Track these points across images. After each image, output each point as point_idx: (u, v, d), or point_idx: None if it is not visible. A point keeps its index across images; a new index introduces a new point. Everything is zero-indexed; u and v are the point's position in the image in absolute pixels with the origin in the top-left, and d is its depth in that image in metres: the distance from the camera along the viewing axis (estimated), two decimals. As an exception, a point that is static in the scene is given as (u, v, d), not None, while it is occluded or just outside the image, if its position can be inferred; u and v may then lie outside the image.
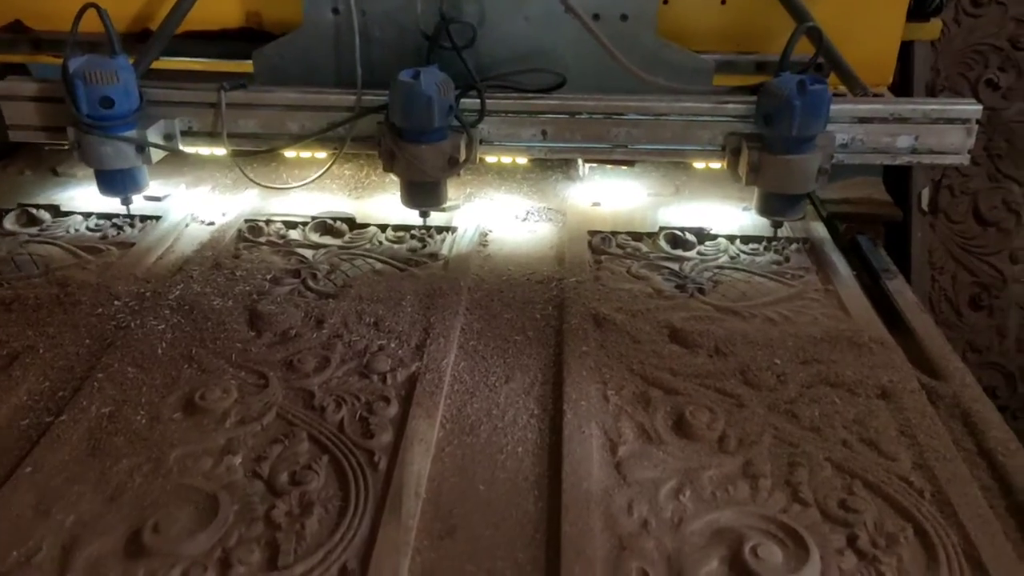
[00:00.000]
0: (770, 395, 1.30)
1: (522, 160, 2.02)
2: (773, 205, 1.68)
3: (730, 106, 1.66)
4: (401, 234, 1.81)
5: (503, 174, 2.10)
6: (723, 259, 1.72)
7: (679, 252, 1.74)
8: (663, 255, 1.73)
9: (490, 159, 1.88)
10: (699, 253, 1.74)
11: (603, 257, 1.72)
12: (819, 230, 1.82)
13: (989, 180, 2.60)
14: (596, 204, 1.93)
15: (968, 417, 1.28)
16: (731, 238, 1.78)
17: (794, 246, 1.76)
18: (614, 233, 1.80)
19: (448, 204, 1.83)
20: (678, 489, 1.10)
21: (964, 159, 1.70)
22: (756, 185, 1.66)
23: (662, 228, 1.80)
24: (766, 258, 1.73)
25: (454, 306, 1.51)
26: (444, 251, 1.74)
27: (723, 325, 1.47)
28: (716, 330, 1.45)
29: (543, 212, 1.92)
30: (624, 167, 2.06)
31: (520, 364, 1.39)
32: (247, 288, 1.55)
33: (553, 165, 2.14)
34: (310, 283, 1.58)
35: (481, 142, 1.69)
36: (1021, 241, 2.59)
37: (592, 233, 1.80)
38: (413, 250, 1.75)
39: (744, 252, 1.74)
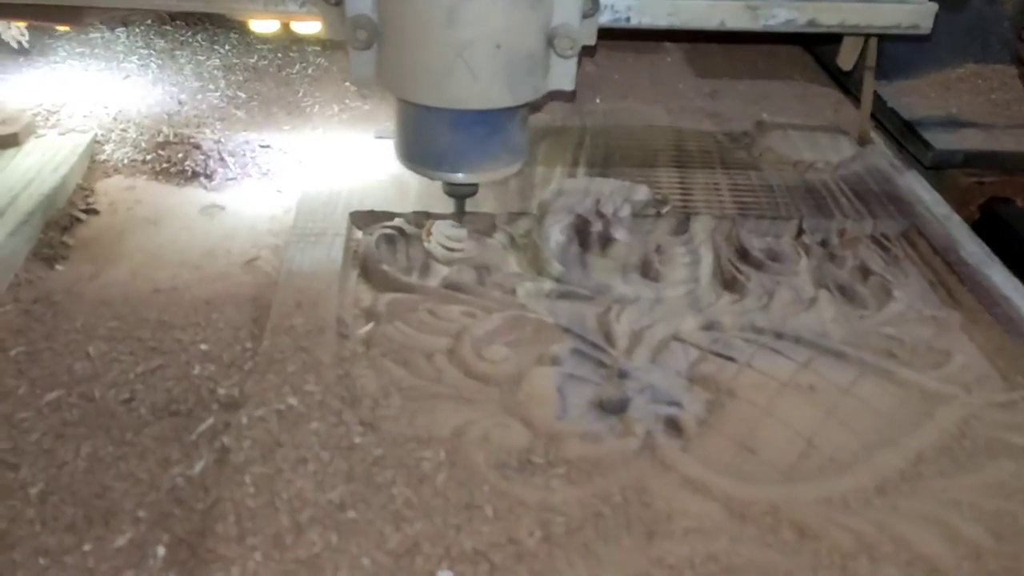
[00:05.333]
0: None
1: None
2: (419, 138, 0.56)
3: None
4: None
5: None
6: (724, 309, 0.63)
7: (616, 283, 0.64)
8: (559, 290, 0.62)
9: None
10: (651, 280, 0.64)
11: (387, 301, 0.60)
12: (922, 195, 0.75)
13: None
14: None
15: None
16: (732, 217, 0.69)
17: (870, 248, 0.69)
18: (423, 219, 0.67)
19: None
20: None
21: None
22: (383, 85, 0.55)
23: (542, 205, 0.69)
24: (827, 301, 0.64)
25: None
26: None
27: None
28: None
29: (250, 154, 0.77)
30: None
31: None
32: None
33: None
34: None
35: None
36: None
37: (360, 219, 0.67)
38: None
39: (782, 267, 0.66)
